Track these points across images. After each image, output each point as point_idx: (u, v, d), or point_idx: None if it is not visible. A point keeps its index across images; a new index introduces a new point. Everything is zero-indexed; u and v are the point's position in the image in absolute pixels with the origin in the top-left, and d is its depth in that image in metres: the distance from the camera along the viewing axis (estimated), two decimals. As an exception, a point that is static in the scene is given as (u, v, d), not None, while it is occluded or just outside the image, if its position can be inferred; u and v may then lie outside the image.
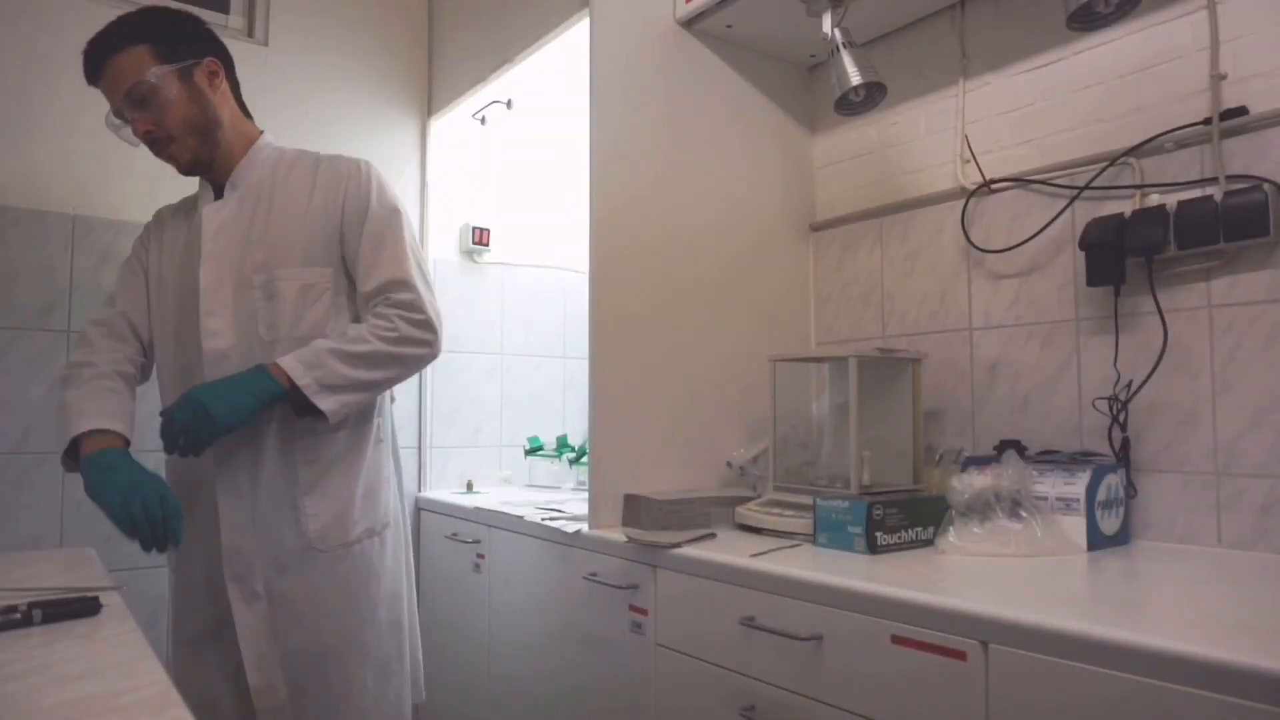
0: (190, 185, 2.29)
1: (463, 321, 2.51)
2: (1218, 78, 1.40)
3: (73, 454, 1.35)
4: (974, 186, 1.72)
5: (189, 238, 1.51)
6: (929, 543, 1.42)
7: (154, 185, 2.15)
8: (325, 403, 1.34)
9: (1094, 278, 1.50)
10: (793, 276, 2.06)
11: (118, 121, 1.50)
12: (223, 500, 1.40)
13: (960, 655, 1.01)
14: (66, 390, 1.38)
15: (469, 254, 2.55)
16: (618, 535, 1.57)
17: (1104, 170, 1.52)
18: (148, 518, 1.25)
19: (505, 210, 2.62)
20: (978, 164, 1.73)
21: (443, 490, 2.43)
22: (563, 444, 2.49)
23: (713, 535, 1.53)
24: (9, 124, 1.98)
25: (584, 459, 2.46)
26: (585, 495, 1.74)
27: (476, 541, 2.06)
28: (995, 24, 1.73)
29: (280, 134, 2.31)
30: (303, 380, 1.33)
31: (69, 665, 0.84)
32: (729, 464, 1.84)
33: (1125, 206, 1.49)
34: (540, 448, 2.51)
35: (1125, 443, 1.47)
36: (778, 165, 2.04)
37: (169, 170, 2.15)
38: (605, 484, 1.69)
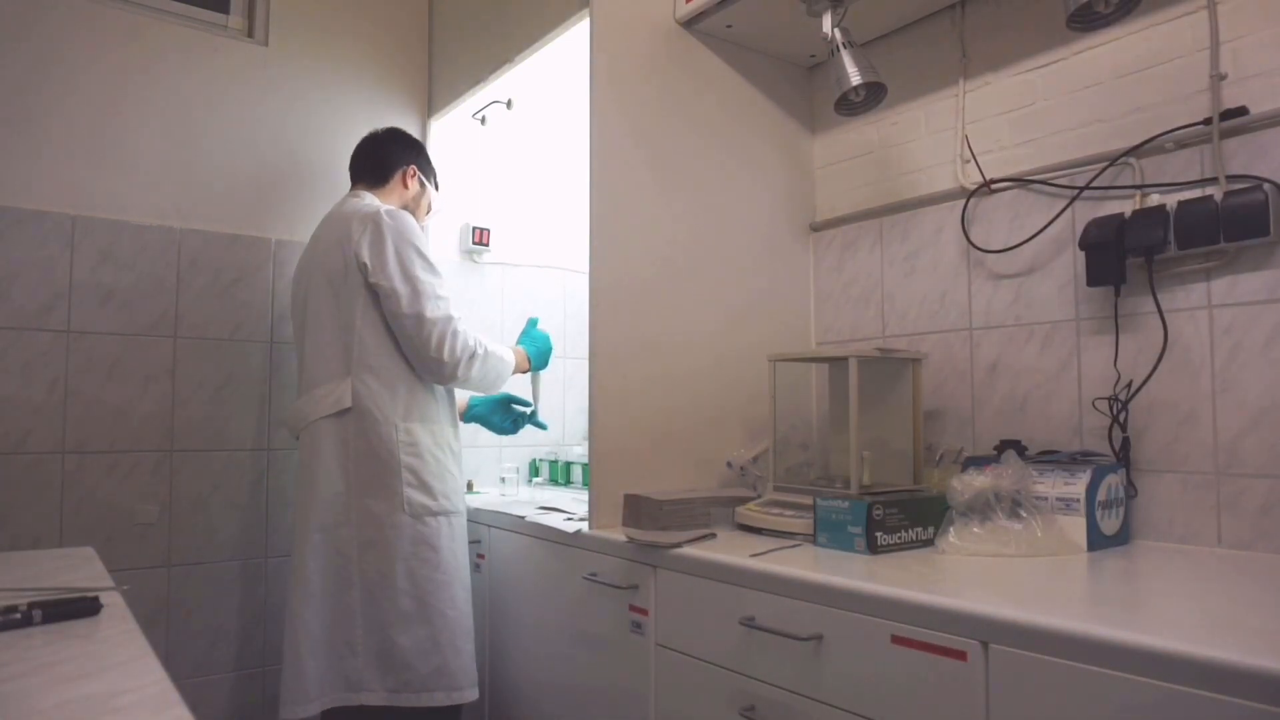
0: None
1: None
2: (1218, 78, 1.40)
3: None
4: (974, 186, 1.72)
5: None
6: (929, 543, 1.42)
7: (154, 186, 2.15)
8: None
9: (1094, 278, 1.50)
10: (793, 276, 2.06)
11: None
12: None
13: (960, 655, 1.01)
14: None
15: (469, 254, 2.55)
16: (618, 535, 1.57)
17: (1104, 170, 1.52)
18: None
19: (505, 210, 2.62)
20: (978, 164, 1.73)
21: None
22: (556, 472, 2.55)
23: (713, 535, 1.53)
24: (9, 124, 1.98)
25: (569, 480, 2.48)
26: (585, 495, 1.74)
27: (476, 541, 2.06)
28: (995, 24, 1.73)
29: (280, 134, 2.33)
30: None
31: (69, 665, 0.84)
32: (729, 464, 1.83)
33: (1125, 206, 1.49)
34: (538, 475, 2.60)
35: (1125, 443, 1.47)
36: (778, 165, 2.04)
37: (167, 171, 2.16)
38: (605, 484, 1.69)
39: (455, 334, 1.82)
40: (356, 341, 1.83)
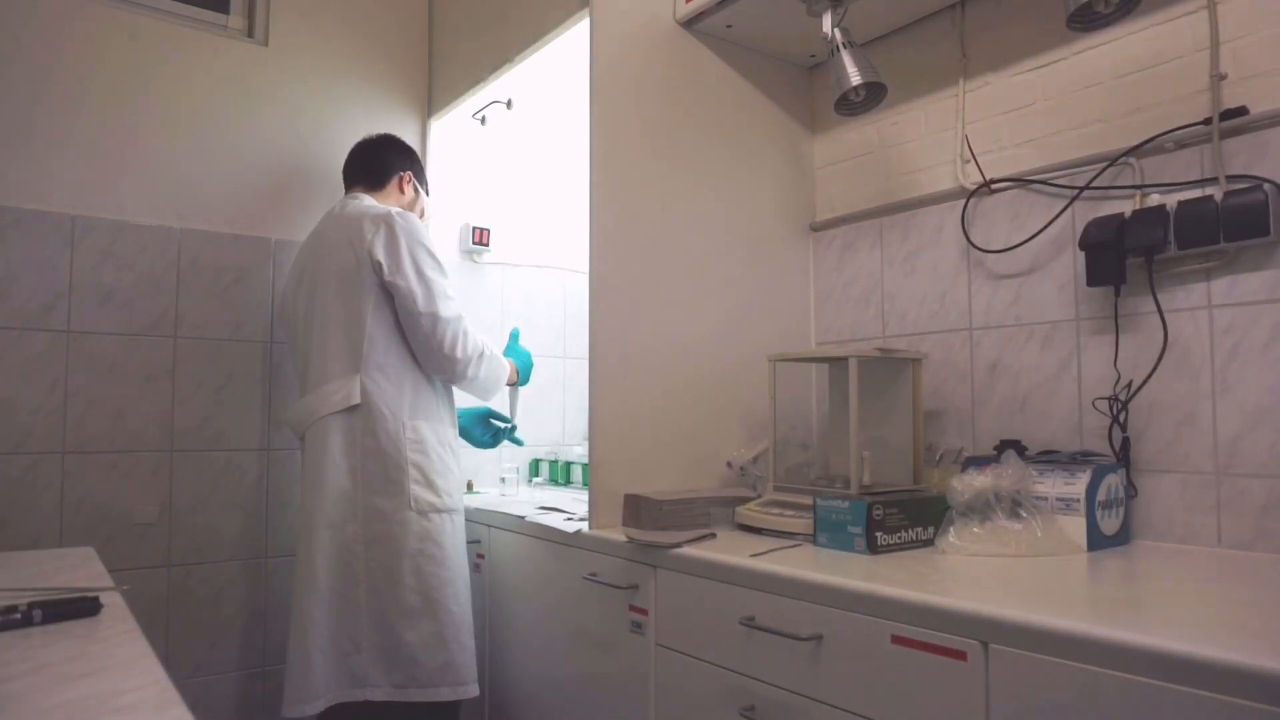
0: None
1: (463, 321, 2.51)
2: (1218, 78, 1.40)
3: None
4: (974, 186, 1.72)
5: None
6: (929, 543, 1.42)
7: (154, 186, 2.15)
8: None
9: (1094, 278, 1.50)
10: (793, 276, 2.06)
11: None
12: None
13: (960, 655, 1.01)
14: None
15: (469, 254, 2.55)
16: (618, 535, 1.57)
17: (1104, 170, 1.52)
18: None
19: (505, 210, 2.61)
20: (978, 164, 1.73)
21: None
22: (556, 472, 2.55)
23: (713, 535, 1.53)
24: (9, 124, 1.98)
25: (569, 480, 2.48)
26: (585, 495, 1.74)
27: (476, 541, 2.06)
28: (995, 24, 1.73)
29: (280, 134, 2.33)
30: None
31: (69, 665, 0.84)
32: (729, 464, 1.84)
33: (1125, 206, 1.49)
34: (538, 475, 2.60)
35: (1125, 443, 1.47)
36: (778, 165, 2.04)
37: (167, 171, 2.16)
38: (605, 484, 1.69)
39: (466, 333, 1.87)
40: (366, 339, 1.84)
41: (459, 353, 1.85)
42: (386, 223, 1.85)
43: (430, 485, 1.84)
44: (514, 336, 2.24)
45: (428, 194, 2.21)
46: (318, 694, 1.75)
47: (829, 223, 2.05)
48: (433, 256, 1.87)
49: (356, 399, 1.83)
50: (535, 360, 2.25)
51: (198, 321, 2.19)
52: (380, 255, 1.82)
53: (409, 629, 1.78)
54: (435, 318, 1.83)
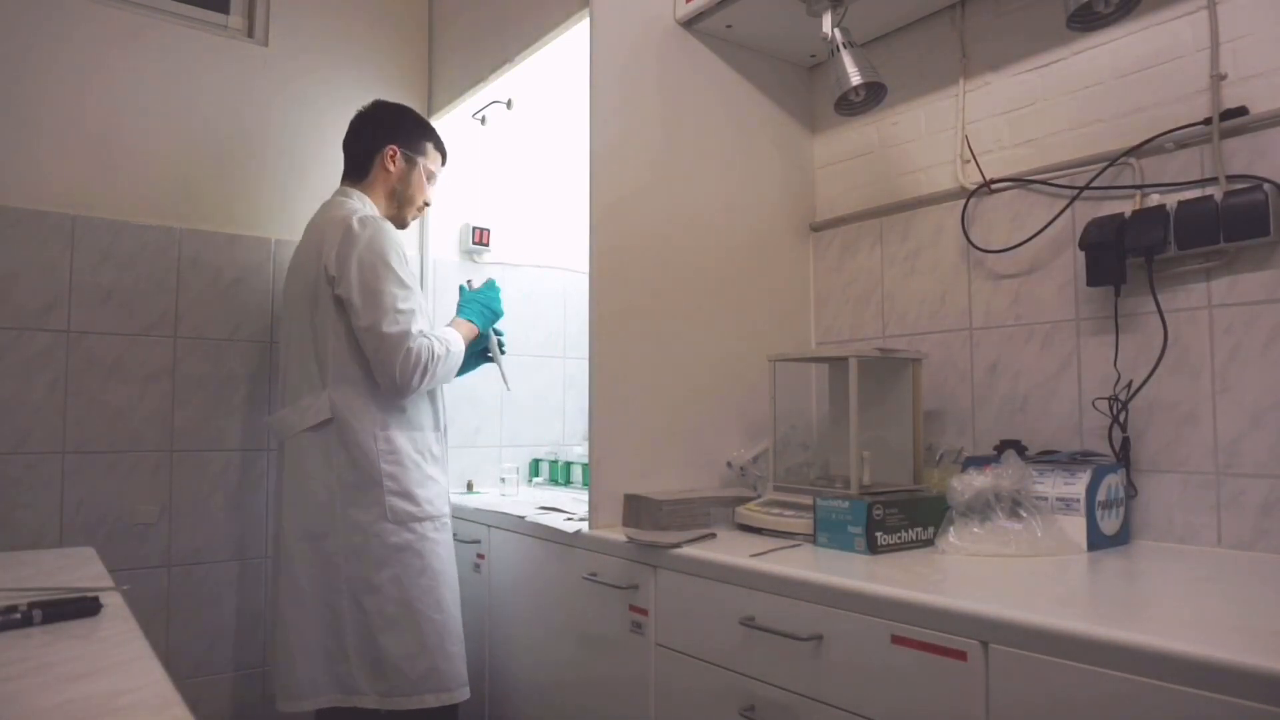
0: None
1: (463, 321, 2.51)
2: (1218, 78, 1.40)
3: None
4: (974, 186, 1.72)
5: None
6: (929, 543, 1.42)
7: (154, 186, 2.15)
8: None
9: (1094, 278, 1.50)
10: (793, 276, 2.06)
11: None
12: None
13: (960, 655, 1.01)
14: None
15: (469, 254, 2.55)
16: (618, 535, 1.57)
17: (1104, 170, 1.52)
18: None
19: (505, 210, 2.61)
20: (978, 164, 1.73)
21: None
22: (556, 472, 2.54)
23: (713, 535, 1.53)
24: (9, 124, 1.98)
25: (569, 480, 2.48)
26: (585, 495, 1.74)
27: (476, 541, 2.06)
28: (995, 24, 1.73)
29: (280, 134, 2.33)
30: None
31: (69, 665, 0.84)
32: (729, 464, 1.84)
33: (1125, 206, 1.49)
34: (538, 475, 2.59)
35: (1125, 443, 1.47)
36: (778, 165, 2.04)
37: (167, 171, 2.16)
38: (605, 484, 1.69)
39: (409, 352, 1.75)
40: (331, 352, 1.81)
41: (396, 373, 1.75)
42: (344, 231, 1.79)
43: (407, 495, 1.82)
44: (461, 291, 2.09)
45: (443, 159, 2.07)
46: (304, 692, 1.77)
47: (829, 223, 2.05)
48: (389, 266, 1.77)
49: (327, 414, 1.80)
50: (534, 360, 2.22)
51: (198, 321, 2.19)
52: (333, 267, 1.78)
53: (390, 639, 1.77)
54: (374, 334, 1.75)
